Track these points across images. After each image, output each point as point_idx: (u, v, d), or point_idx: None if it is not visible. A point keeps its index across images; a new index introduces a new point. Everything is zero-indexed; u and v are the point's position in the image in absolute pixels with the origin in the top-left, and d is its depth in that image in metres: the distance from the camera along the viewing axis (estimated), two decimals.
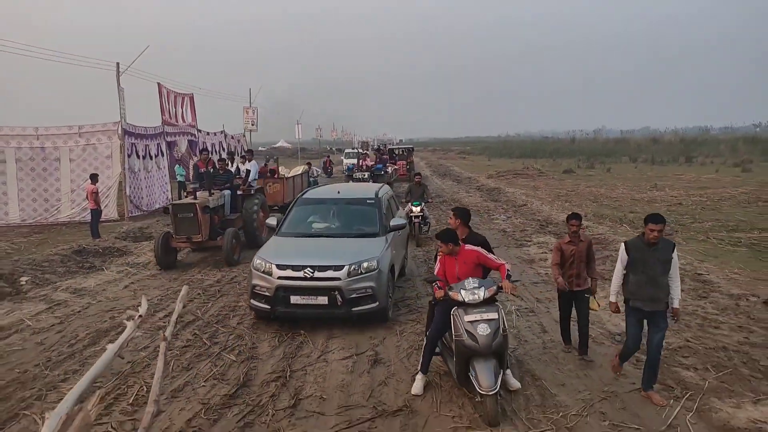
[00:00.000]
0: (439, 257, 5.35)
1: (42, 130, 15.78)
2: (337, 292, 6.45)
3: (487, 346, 4.55)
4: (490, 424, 4.47)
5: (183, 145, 22.81)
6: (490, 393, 4.43)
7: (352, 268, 6.54)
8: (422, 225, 12.44)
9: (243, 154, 15.40)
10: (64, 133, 15.86)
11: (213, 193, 10.98)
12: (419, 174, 14.66)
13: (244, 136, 30.28)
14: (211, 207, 10.69)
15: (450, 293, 4.87)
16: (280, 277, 6.56)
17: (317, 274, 6.51)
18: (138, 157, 17.20)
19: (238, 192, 12.09)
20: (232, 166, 12.75)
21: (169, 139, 20.23)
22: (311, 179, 21.49)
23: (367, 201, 8.30)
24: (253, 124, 30.95)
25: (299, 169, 21.57)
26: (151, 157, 18.39)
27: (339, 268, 6.53)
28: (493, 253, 5.28)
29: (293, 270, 6.57)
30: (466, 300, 4.75)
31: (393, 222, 7.98)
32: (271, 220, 8.26)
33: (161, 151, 19.38)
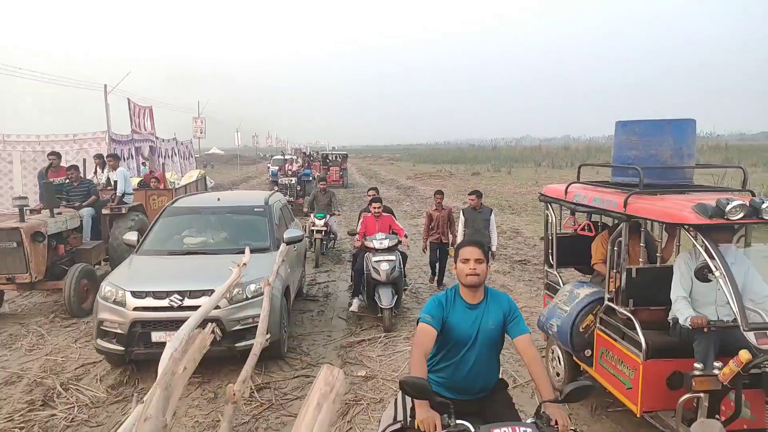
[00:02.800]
0: (362, 219, 7.69)
1: (43, 137, 19.48)
2: (215, 325, 4.83)
3: (386, 277, 6.60)
4: (386, 330, 6.51)
5: (146, 150, 26.76)
6: (387, 308, 6.52)
7: (234, 292, 5.32)
8: (324, 241, 10.89)
9: (106, 159, 10.49)
10: (61, 139, 19.60)
11: (59, 213, 8.09)
12: (324, 180, 12.96)
13: (191, 142, 34.29)
14: (52, 233, 7.67)
15: (366, 242, 7.07)
16: (136, 308, 5.23)
17: (188, 302, 5.16)
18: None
19: (104, 211, 8.98)
20: (101, 174, 10.08)
21: (136, 145, 24.20)
22: (210, 189, 19.49)
23: (255, 209, 6.99)
24: (201, 132, 34.98)
25: (193, 175, 18.77)
26: (123, 159, 22.35)
27: None
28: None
29: (155, 298, 5.26)
30: (376, 247, 6.87)
31: (287, 234, 6.62)
32: (130, 235, 6.53)
33: (131, 154, 23.34)
